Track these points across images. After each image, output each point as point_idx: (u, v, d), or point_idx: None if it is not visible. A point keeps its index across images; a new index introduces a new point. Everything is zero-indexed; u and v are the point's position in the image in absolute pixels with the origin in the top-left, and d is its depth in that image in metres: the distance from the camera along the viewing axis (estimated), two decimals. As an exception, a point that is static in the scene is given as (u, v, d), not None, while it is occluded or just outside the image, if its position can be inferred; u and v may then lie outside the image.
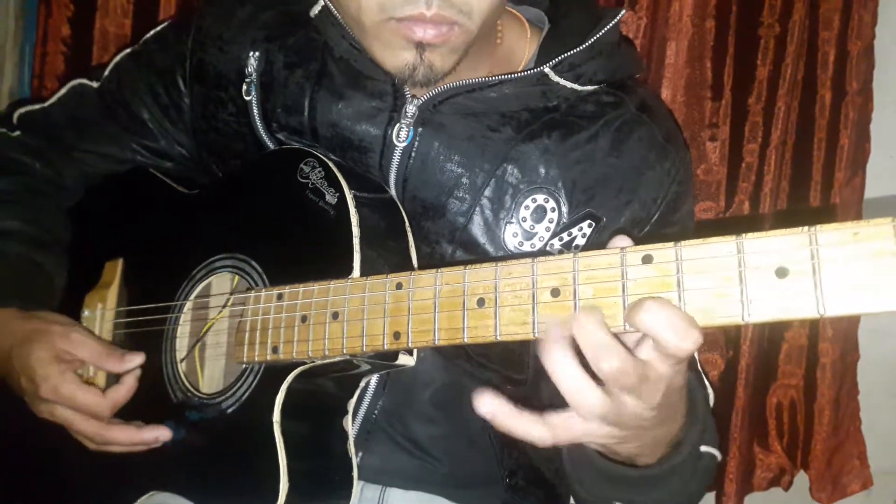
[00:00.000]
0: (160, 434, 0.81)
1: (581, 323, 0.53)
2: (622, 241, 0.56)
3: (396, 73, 0.80)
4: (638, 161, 0.86)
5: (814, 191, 1.45)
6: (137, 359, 0.85)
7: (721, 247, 0.51)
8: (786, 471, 1.59)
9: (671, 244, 0.53)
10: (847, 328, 1.50)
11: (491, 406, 0.56)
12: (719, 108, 1.45)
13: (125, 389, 0.83)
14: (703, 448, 0.74)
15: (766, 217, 1.43)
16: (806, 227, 0.47)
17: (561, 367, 0.54)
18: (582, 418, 0.56)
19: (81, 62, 1.63)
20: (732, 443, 1.51)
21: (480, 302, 0.61)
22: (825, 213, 1.43)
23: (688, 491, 0.73)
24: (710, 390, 0.86)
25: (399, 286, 0.67)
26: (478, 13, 0.77)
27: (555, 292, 0.57)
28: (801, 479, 1.58)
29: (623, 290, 0.54)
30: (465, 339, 0.62)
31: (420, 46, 0.77)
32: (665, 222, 0.88)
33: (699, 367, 0.87)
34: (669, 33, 1.42)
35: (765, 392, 1.57)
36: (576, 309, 0.56)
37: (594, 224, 0.84)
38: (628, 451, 0.64)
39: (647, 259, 0.53)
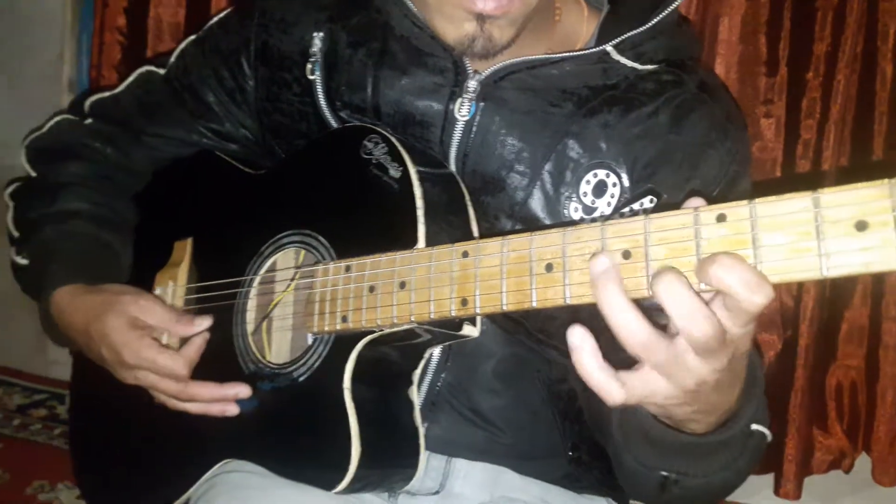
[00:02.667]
0: (240, 390, 0.84)
1: (669, 286, 0.52)
2: (696, 201, 0.56)
3: (457, 45, 0.81)
4: (700, 139, 0.86)
5: (874, 167, 1.42)
6: (205, 322, 0.89)
7: (797, 202, 0.50)
8: (846, 453, 1.56)
9: (745, 202, 0.52)
10: (911, 307, 1.47)
11: (581, 338, 0.54)
12: (774, 83, 1.43)
13: (195, 347, 0.87)
14: (755, 426, 0.73)
15: (827, 174, 1.39)
16: (886, 179, 0.47)
17: (615, 302, 0.53)
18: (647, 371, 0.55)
19: (137, 51, 1.68)
20: (791, 424, 1.49)
21: (549, 267, 0.62)
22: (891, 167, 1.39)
23: (736, 467, 0.72)
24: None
25: (465, 254, 0.68)
26: None
27: (626, 254, 0.57)
28: (863, 460, 1.55)
29: (697, 250, 0.54)
30: (534, 304, 0.62)
31: (481, 18, 0.78)
32: (723, 201, 0.87)
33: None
34: (722, 9, 1.40)
35: (824, 373, 1.54)
36: (647, 270, 0.56)
37: (655, 200, 0.84)
38: (684, 414, 0.63)
39: (721, 218, 0.53)
